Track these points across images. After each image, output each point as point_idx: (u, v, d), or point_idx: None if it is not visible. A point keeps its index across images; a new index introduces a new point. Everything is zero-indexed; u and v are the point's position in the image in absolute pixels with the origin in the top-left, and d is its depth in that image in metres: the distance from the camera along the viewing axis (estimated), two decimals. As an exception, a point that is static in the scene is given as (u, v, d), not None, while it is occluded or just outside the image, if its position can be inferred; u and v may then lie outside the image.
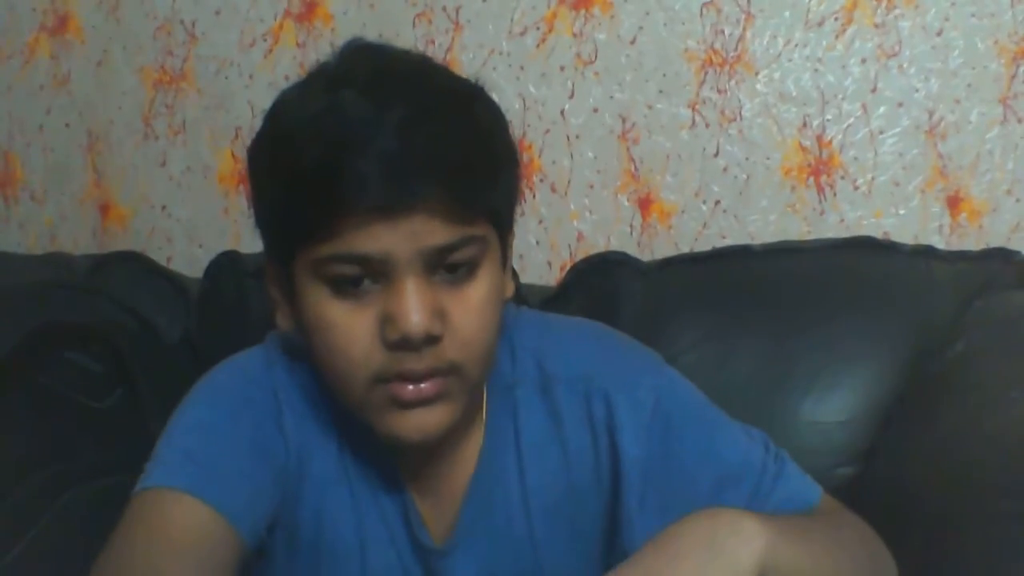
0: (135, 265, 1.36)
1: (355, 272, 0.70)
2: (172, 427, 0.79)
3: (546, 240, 1.47)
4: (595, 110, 1.44)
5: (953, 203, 1.36)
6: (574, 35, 1.43)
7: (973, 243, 1.35)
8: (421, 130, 0.68)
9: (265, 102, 0.76)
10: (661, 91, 1.41)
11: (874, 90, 1.36)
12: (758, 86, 1.39)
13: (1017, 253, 1.22)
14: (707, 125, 1.41)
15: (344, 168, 0.67)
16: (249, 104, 1.53)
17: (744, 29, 1.38)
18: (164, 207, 1.60)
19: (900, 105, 1.36)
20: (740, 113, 1.40)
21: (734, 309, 1.22)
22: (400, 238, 0.68)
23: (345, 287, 0.70)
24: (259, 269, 1.21)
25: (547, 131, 1.45)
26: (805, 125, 1.38)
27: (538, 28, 1.44)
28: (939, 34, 1.34)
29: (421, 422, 0.73)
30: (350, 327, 0.71)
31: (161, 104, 1.58)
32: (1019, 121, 1.33)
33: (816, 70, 1.37)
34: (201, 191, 1.58)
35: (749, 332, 1.19)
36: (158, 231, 1.61)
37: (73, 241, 1.65)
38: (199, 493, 0.73)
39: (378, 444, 0.77)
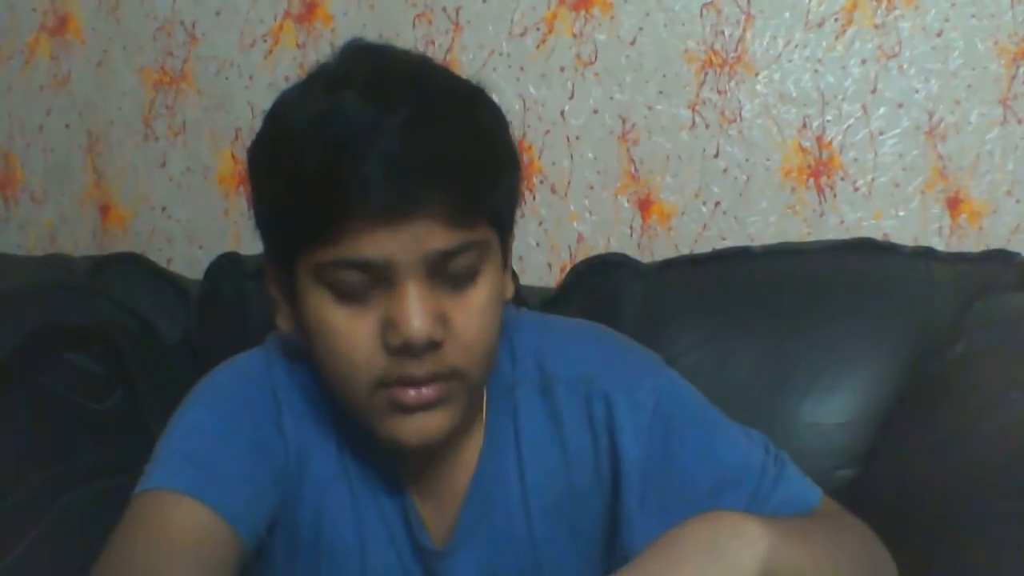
0: (135, 266, 1.36)
1: (359, 279, 0.69)
2: (172, 429, 0.79)
3: (546, 241, 1.47)
4: (595, 111, 1.44)
5: (953, 204, 1.36)
6: (574, 36, 1.43)
7: (973, 244, 1.35)
8: (423, 134, 0.67)
9: (265, 103, 0.76)
10: (661, 92, 1.41)
11: (874, 91, 1.36)
12: (758, 87, 1.39)
13: (1017, 255, 1.22)
14: (707, 126, 1.41)
15: (346, 172, 0.66)
16: (249, 105, 1.53)
17: (744, 30, 1.38)
18: (164, 208, 1.60)
19: (900, 106, 1.36)
20: (740, 114, 1.40)
21: (734, 311, 1.22)
22: (403, 243, 0.68)
23: (348, 293, 0.70)
24: (259, 270, 1.21)
25: (547, 132, 1.45)
26: (805, 126, 1.39)
27: (538, 29, 1.44)
28: (939, 35, 1.34)
29: (422, 426, 0.73)
30: (352, 332, 0.71)
31: (161, 105, 1.58)
32: (1019, 122, 1.33)
33: (816, 71, 1.37)
34: (201, 192, 1.58)
35: (749, 334, 1.19)
36: (158, 232, 1.61)
37: (73, 242, 1.65)
38: (199, 495, 0.73)
39: (378, 445, 0.77)
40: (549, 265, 1.48)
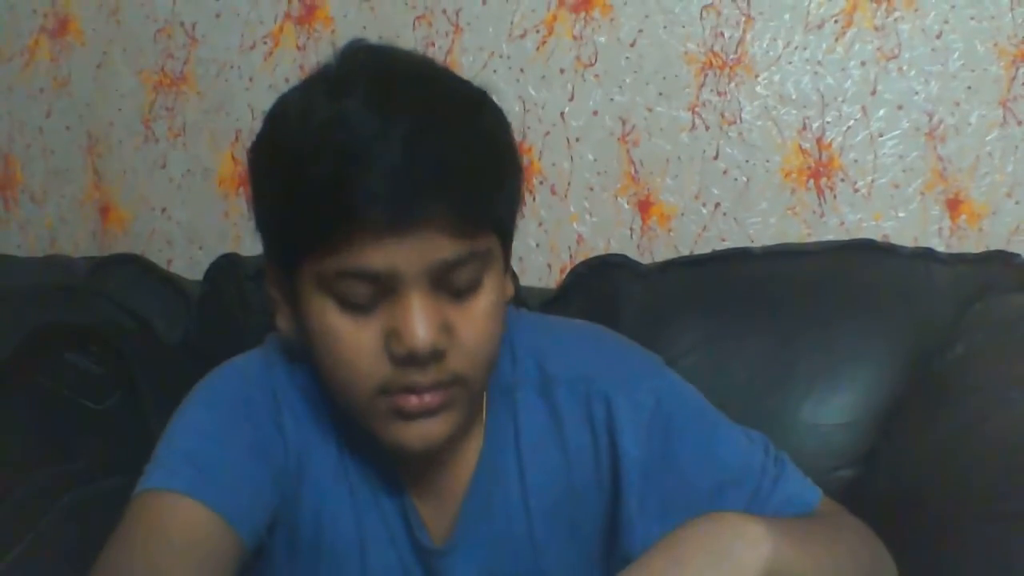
0: (135, 267, 1.36)
1: (363, 290, 0.69)
2: (172, 429, 0.79)
3: (546, 242, 1.47)
4: (595, 113, 1.44)
5: (953, 205, 1.36)
6: (574, 38, 1.43)
7: (973, 245, 1.35)
8: (429, 144, 0.67)
9: (265, 104, 0.76)
10: (661, 94, 1.41)
11: (874, 92, 1.36)
12: (758, 88, 1.39)
13: (1017, 256, 1.22)
14: (707, 128, 1.41)
15: (352, 183, 0.66)
16: (249, 107, 1.53)
17: (744, 32, 1.38)
18: (164, 209, 1.60)
19: (900, 107, 1.36)
20: (740, 116, 1.40)
21: (734, 312, 1.22)
22: (408, 254, 0.68)
23: (351, 302, 0.70)
24: (259, 271, 1.21)
25: (547, 133, 1.45)
26: (805, 128, 1.39)
27: (538, 31, 1.44)
28: (939, 37, 1.34)
29: (425, 432, 0.73)
30: (355, 340, 0.71)
31: (161, 106, 1.58)
32: (1019, 123, 1.33)
33: (816, 72, 1.37)
34: (201, 194, 1.58)
35: (749, 334, 1.19)
36: (158, 233, 1.61)
37: (73, 243, 1.65)
38: (199, 495, 0.73)
39: (378, 445, 0.77)
40: (549, 266, 1.48)
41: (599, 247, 1.45)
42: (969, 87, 1.34)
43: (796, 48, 1.38)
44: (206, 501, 0.72)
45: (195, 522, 0.72)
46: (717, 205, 1.42)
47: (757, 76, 1.39)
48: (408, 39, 1.46)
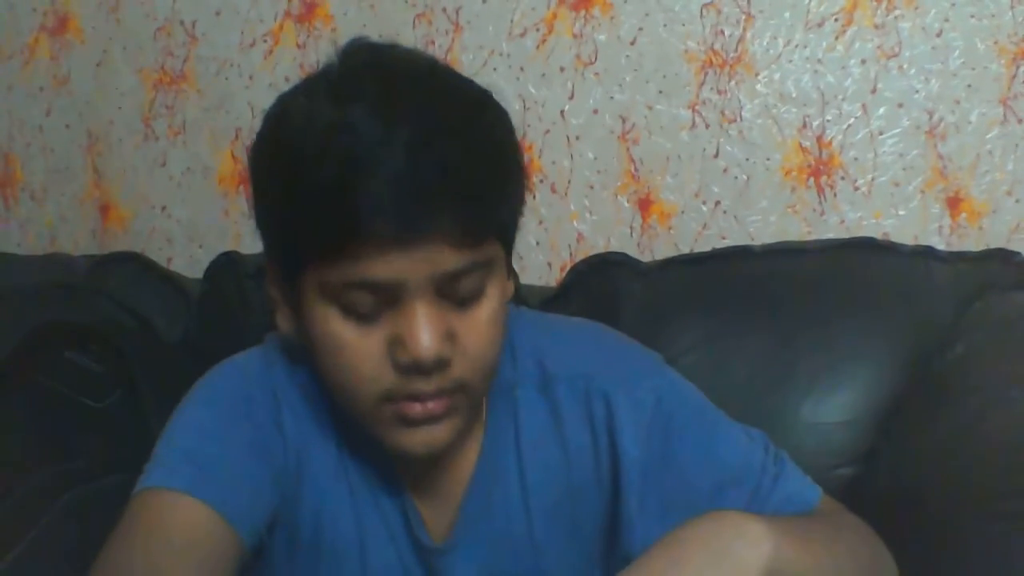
0: (135, 266, 1.36)
1: (368, 299, 0.69)
2: (171, 427, 0.79)
3: (546, 241, 1.47)
4: (595, 111, 1.44)
5: (953, 204, 1.36)
6: (574, 36, 1.43)
7: (973, 244, 1.35)
8: (433, 151, 0.66)
9: (265, 103, 0.75)
10: (661, 92, 1.41)
11: (874, 91, 1.36)
12: (758, 87, 1.39)
13: (1017, 254, 1.22)
14: (707, 126, 1.41)
15: (357, 192, 0.65)
16: (249, 105, 1.53)
17: (744, 30, 1.38)
18: (164, 208, 1.60)
19: (900, 106, 1.36)
20: (740, 114, 1.40)
21: (734, 310, 1.22)
22: (412, 264, 0.67)
23: (355, 311, 0.70)
24: (259, 270, 1.21)
25: (547, 132, 1.45)
26: (805, 126, 1.39)
27: (538, 29, 1.44)
28: (939, 35, 1.34)
29: (428, 438, 0.73)
30: (359, 347, 0.70)
31: (161, 105, 1.58)
32: (1019, 122, 1.33)
33: (816, 71, 1.37)
34: (201, 192, 1.58)
35: (749, 333, 1.19)
36: (158, 232, 1.61)
37: (73, 242, 1.65)
38: (198, 494, 0.72)
39: (377, 445, 0.77)
40: (549, 264, 1.48)
41: (599, 245, 1.45)
42: (969, 85, 1.34)
43: (796, 46, 1.37)
44: (206, 500, 0.72)
45: (195, 521, 0.72)
46: (717, 203, 1.42)
47: (757, 74, 1.39)
48: (408, 37, 1.46)
